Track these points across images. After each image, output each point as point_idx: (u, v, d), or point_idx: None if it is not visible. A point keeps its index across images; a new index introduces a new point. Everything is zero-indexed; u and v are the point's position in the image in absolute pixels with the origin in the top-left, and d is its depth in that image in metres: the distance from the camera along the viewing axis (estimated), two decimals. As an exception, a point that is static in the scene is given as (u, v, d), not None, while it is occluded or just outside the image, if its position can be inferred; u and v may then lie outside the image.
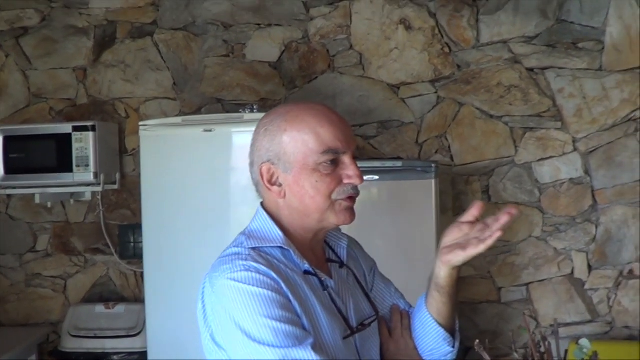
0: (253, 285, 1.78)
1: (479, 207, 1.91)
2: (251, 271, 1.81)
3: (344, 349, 1.89)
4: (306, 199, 1.91)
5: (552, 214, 4.56)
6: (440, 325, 2.03)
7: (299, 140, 1.89)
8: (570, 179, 4.53)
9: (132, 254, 4.85)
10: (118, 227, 4.88)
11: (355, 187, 1.94)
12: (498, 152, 4.57)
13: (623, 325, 4.52)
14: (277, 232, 1.94)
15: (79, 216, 4.92)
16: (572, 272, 4.57)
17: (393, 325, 2.11)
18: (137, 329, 4.57)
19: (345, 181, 1.92)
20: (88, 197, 4.83)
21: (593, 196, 4.53)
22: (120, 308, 4.73)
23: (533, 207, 4.57)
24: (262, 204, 2.03)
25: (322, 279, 1.94)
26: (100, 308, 4.74)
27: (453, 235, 1.92)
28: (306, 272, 1.92)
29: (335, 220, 1.94)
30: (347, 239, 2.13)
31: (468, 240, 1.89)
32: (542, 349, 2.07)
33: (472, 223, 1.89)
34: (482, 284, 4.64)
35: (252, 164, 1.99)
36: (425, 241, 3.94)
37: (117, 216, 4.88)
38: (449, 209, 4.51)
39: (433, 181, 3.93)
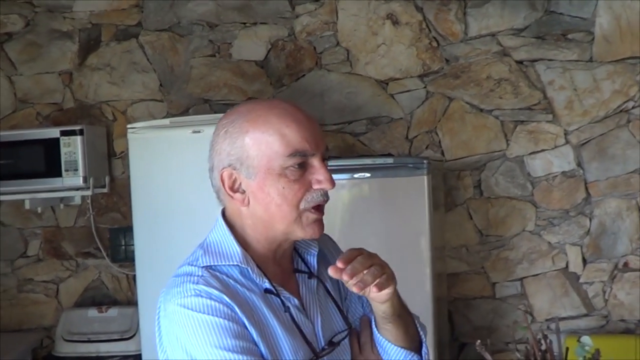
0: (204, 313, 1.67)
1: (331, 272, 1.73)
2: (202, 296, 1.69)
3: None
4: (272, 207, 1.77)
5: (545, 207, 4.53)
6: (401, 346, 1.89)
7: (263, 142, 1.74)
8: (563, 172, 4.50)
9: (124, 257, 4.84)
10: (109, 231, 4.87)
11: (325, 193, 1.80)
12: (489, 146, 4.54)
13: (619, 318, 4.49)
14: (236, 248, 1.79)
15: (69, 220, 4.91)
16: (567, 266, 4.54)
17: (363, 340, 1.94)
18: (131, 332, 4.57)
19: (315, 186, 1.77)
20: (78, 201, 4.82)
21: (586, 189, 4.49)
22: (113, 311, 4.72)
23: (526, 201, 4.54)
24: (223, 211, 1.89)
25: (283, 298, 1.80)
26: (93, 312, 4.73)
27: None
28: (267, 291, 1.79)
29: (302, 234, 1.80)
30: (317, 244, 1.95)
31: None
32: (544, 347, 2.03)
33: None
34: (476, 280, 4.61)
35: (211, 169, 1.84)
36: (419, 238, 3.92)
37: (107, 219, 4.87)
38: (441, 205, 4.48)
39: (425, 177, 3.90)
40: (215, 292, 1.70)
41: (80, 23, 4.81)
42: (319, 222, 1.81)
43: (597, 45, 4.44)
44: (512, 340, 4.47)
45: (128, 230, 4.55)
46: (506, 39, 4.50)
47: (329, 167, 1.81)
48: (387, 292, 1.76)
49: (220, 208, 1.92)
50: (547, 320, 4.53)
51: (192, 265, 1.78)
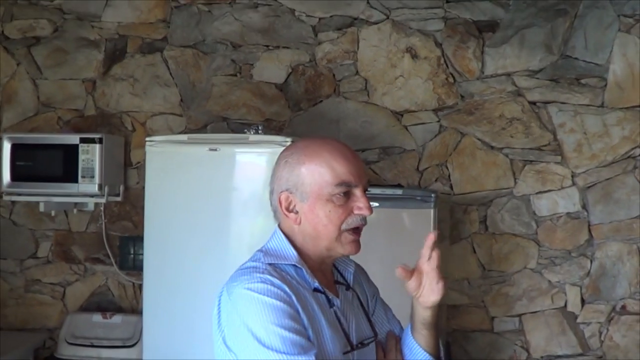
0: (267, 296, 1.92)
1: (431, 237, 2.06)
2: (267, 283, 1.94)
3: None
4: (319, 226, 2.05)
5: (548, 246, 4.60)
6: (430, 354, 2.15)
7: (316, 172, 2.04)
8: (568, 213, 4.58)
9: (132, 265, 4.89)
10: (119, 238, 4.93)
11: (364, 218, 2.07)
12: (497, 183, 4.62)
13: (613, 359, 4.55)
14: (292, 252, 2.08)
15: (81, 225, 4.98)
16: (565, 305, 4.60)
17: (388, 348, 2.21)
18: (133, 340, 4.60)
19: (356, 212, 2.05)
20: (91, 207, 4.88)
21: (589, 231, 4.56)
22: (117, 318, 4.76)
23: (529, 239, 4.61)
24: (278, 226, 2.16)
25: (330, 297, 2.08)
26: (97, 317, 4.77)
27: (418, 279, 2.05)
28: (315, 290, 2.05)
29: (342, 251, 2.08)
30: (354, 265, 2.26)
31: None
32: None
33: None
34: (476, 313, 4.68)
35: (271, 192, 2.13)
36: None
37: (118, 227, 4.93)
38: (447, 237, 4.55)
39: (432, 210, 3.97)
40: (278, 281, 1.96)
41: (108, 33, 4.90)
42: (357, 242, 2.10)
43: (610, 91, 4.52)
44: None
45: (138, 239, 4.61)
46: (521, 79, 4.58)
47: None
48: (440, 294, 2.04)
49: (276, 224, 2.19)
50: (542, 357, 4.59)
51: (255, 261, 2.06)
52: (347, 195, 2.04)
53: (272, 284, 1.95)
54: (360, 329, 2.14)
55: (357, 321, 2.15)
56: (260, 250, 2.12)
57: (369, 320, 2.21)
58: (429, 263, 2.03)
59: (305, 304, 1.99)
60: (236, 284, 1.98)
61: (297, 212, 2.08)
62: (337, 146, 2.10)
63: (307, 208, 2.06)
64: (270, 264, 2.03)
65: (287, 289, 1.95)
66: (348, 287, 2.20)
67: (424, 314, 2.09)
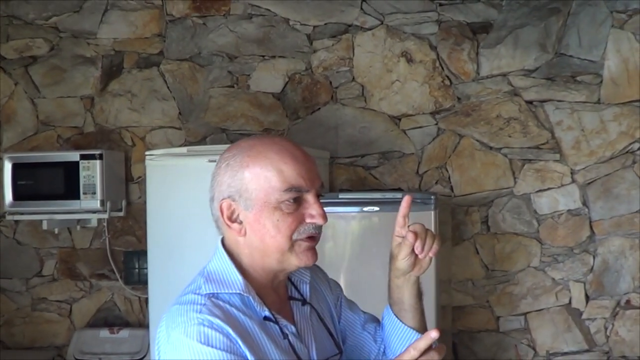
0: (205, 344, 1.72)
1: (407, 200, 1.97)
2: (205, 325, 1.74)
3: None
4: (267, 237, 1.84)
5: (550, 244, 4.61)
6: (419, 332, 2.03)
7: (261, 176, 1.83)
8: (568, 210, 4.59)
9: (137, 279, 4.90)
10: (123, 253, 4.94)
11: (318, 227, 1.87)
12: (497, 183, 4.64)
13: (620, 355, 4.56)
14: (237, 276, 1.86)
15: (84, 242, 4.99)
16: (570, 302, 4.62)
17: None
18: (141, 354, 4.62)
19: (308, 220, 1.85)
20: (94, 223, 4.90)
21: (591, 227, 4.58)
22: (124, 333, 4.77)
23: (531, 238, 4.63)
24: (222, 240, 1.96)
25: (282, 325, 1.87)
26: (104, 333, 4.78)
27: (404, 253, 1.94)
28: (266, 319, 1.85)
29: (297, 262, 1.88)
30: (309, 273, 2.05)
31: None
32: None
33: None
34: (481, 313, 4.69)
35: (212, 199, 1.92)
36: (424, 273, 3.97)
37: (122, 242, 4.95)
38: (448, 239, 4.56)
39: (432, 212, 3.97)
40: (217, 321, 1.75)
41: (104, 49, 4.92)
42: (312, 250, 1.89)
43: (605, 87, 4.54)
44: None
45: (142, 253, 4.62)
46: (517, 79, 4.60)
47: (322, 202, 1.90)
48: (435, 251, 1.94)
49: (218, 237, 1.99)
50: (548, 355, 4.60)
51: (195, 293, 1.84)
52: (298, 201, 1.84)
53: (211, 326, 1.74)
54: (322, 349, 1.96)
55: (318, 340, 1.96)
56: (202, 274, 1.90)
57: (331, 335, 2.03)
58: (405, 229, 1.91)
59: (252, 341, 1.79)
60: (174, 327, 1.77)
61: (241, 222, 1.86)
62: (286, 146, 1.89)
63: (253, 217, 1.84)
64: (210, 295, 1.82)
65: (229, 329, 1.75)
66: (304, 302, 2.00)
67: (416, 286, 2.01)
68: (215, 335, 1.73)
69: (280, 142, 1.91)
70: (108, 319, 4.99)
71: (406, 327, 2.04)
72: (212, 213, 1.94)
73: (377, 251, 4.08)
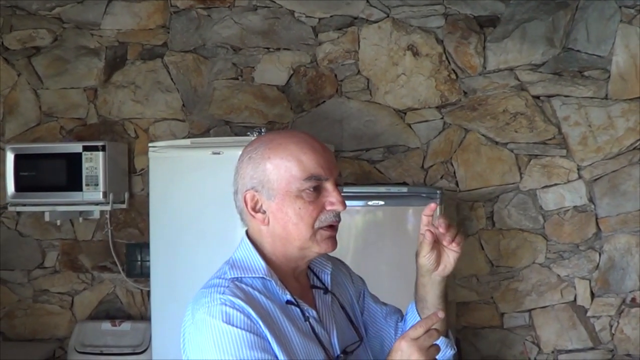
0: (227, 323, 1.79)
1: (431, 208, 2.04)
2: (227, 305, 1.81)
3: None
4: (289, 225, 1.91)
5: (555, 240, 4.58)
6: (444, 336, 2.08)
7: (282, 167, 1.90)
8: (575, 207, 4.56)
9: (139, 272, 4.89)
10: (125, 246, 4.92)
11: (337, 214, 1.95)
12: (503, 178, 4.61)
13: (625, 352, 4.54)
14: (260, 262, 1.94)
15: (87, 234, 4.97)
16: (575, 299, 4.60)
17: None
18: (143, 347, 4.61)
19: (328, 208, 1.93)
20: (96, 215, 4.88)
21: (597, 224, 4.55)
22: (126, 325, 4.77)
23: (537, 234, 4.60)
24: (246, 232, 2.02)
25: (304, 309, 1.94)
26: (106, 325, 4.78)
27: (425, 251, 2.01)
28: (288, 302, 1.92)
29: (317, 249, 1.94)
30: (331, 264, 2.12)
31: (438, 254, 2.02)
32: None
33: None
34: (485, 309, 4.67)
35: (236, 192, 1.99)
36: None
37: (124, 235, 4.93)
38: (453, 234, 4.52)
39: (437, 208, 3.94)
40: (239, 302, 1.83)
41: (107, 41, 4.89)
42: (333, 239, 1.96)
43: (613, 83, 4.50)
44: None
45: (144, 246, 4.61)
46: (524, 73, 4.57)
47: (342, 192, 1.98)
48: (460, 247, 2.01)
49: (244, 229, 2.04)
50: (553, 352, 4.58)
51: (220, 278, 1.92)
52: (318, 190, 1.92)
53: (233, 306, 1.81)
54: (343, 336, 2.02)
55: (339, 327, 2.02)
56: (227, 262, 1.98)
57: (352, 324, 2.09)
58: (435, 229, 1.99)
59: (273, 323, 1.85)
60: (198, 307, 1.85)
61: (264, 212, 1.94)
62: (304, 138, 1.97)
63: (275, 206, 1.92)
64: (235, 279, 1.90)
65: (250, 310, 1.82)
66: (326, 291, 2.07)
67: (440, 286, 2.05)
68: (237, 315, 1.80)
69: (299, 134, 1.99)
70: (110, 312, 4.97)
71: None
72: (237, 205, 2.01)
73: (382, 245, 4.09)
